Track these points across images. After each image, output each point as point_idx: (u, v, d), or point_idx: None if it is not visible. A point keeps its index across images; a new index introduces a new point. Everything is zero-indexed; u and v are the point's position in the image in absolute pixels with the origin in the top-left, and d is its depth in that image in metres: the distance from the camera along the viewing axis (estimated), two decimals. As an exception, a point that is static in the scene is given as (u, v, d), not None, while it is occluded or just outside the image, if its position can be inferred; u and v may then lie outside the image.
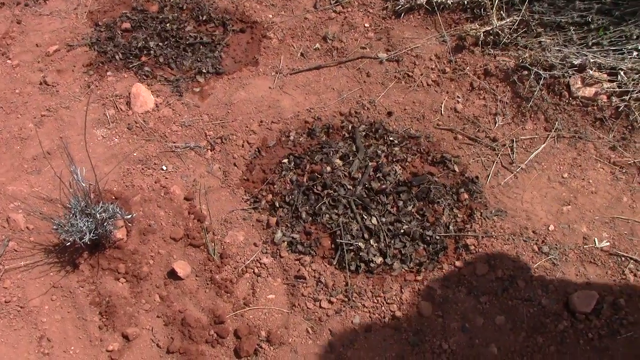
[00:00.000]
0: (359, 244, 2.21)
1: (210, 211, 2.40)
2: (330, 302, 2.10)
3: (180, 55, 3.06)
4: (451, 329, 2.02)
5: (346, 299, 2.11)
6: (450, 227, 2.29)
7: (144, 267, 2.21)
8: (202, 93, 2.90)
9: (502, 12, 3.00)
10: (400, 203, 2.36)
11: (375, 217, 2.29)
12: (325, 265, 2.20)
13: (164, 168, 2.56)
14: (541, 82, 2.67)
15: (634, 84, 2.55)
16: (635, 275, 2.11)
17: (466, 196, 2.39)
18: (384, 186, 2.40)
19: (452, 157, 2.55)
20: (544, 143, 2.57)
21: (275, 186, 2.46)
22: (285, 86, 2.92)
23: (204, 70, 2.98)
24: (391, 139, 2.63)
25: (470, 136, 2.64)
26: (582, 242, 2.23)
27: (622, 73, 2.59)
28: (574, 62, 2.68)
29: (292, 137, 2.68)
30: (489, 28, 2.92)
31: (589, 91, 2.60)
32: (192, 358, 2.00)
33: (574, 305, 2.02)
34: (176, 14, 3.29)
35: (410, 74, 2.90)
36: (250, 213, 2.40)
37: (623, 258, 2.17)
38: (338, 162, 2.53)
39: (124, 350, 2.03)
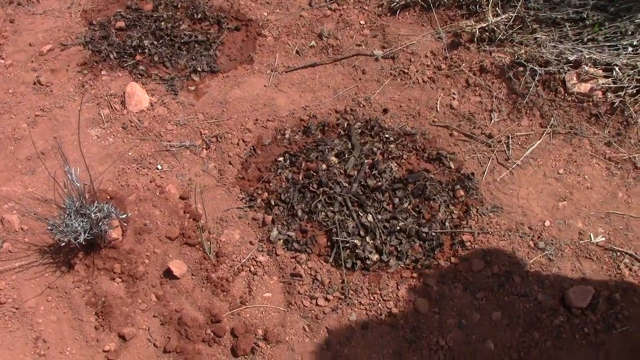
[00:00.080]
0: (355, 241, 2.21)
1: (205, 210, 2.39)
2: (326, 299, 2.10)
3: (175, 54, 3.05)
4: (448, 325, 2.02)
5: (342, 297, 2.11)
6: (446, 224, 2.29)
7: (139, 266, 2.20)
8: (197, 91, 2.89)
9: (497, 8, 3.00)
10: (396, 200, 2.35)
11: (371, 214, 2.29)
12: (322, 263, 2.20)
13: (159, 167, 2.55)
14: (537, 78, 2.67)
15: (629, 79, 2.55)
16: (630, 270, 2.12)
17: (462, 193, 2.39)
18: (379, 183, 2.40)
19: (448, 154, 2.55)
20: (539, 139, 2.57)
21: (270, 184, 2.45)
22: (280, 84, 2.91)
23: (199, 69, 2.97)
24: (387, 136, 2.62)
25: (466, 133, 2.64)
26: (577, 237, 2.23)
27: (617, 69, 2.60)
28: (569, 58, 2.68)
29: (287, 135, 2.67)
30: (485, 24, 2.92)
31: (585, 87, 2.60)
32: (189, 357, 1.99)
33: (570, 300, 2.02)
34: (171, 13, 3.27)
35: (405, 70, 2.89)
36: (246, 211, 2.39)
37: (618, 253, 2.17)
38: (334, 159, 2.53)
39: (121, 351, 2.03)
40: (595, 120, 2.57)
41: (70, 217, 2.08)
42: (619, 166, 2.45)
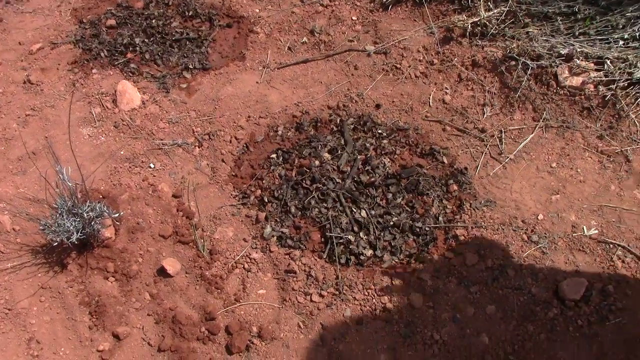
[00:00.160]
0: (349, 237, 2.20)
1: (198, 208, 2.38)
2: (321, 295, 2.10)
3: (167, 52, 3.03)
4: (442, 320, 2.02)
5: (337, 292, 2.11)
6: (440, 218, 2.29)
7: (133, 265, 2.19)
8: (189, 89, 2.87)
9: (489, 3, 3.00)
10: (390, 195, 2.35)
11: (365, 209, 2.29)
12: (315, 259, 2.19)
13: (152, 166, 2.53)
14: (529, 72, 2.68)
15: (620, 72, 2.56)
16: (623, 261, 2.13)
17: (455, 187, 2.40)
18: (372, 179, 2.40)
19: (441, 149, 2.55)
20: (532, 133, 2.57)
21: (263, 181, 2.45)
22: (272, 81, 2.90)
23: (190, 66, 2.96)
24: (380, 131, 2.62)
25: (459, 127, 2.64)
26: (571, 230, 2.24)
27: (608, 62, 2.60)
28: (561, 51, 2.68)
29: (280, 132, 2.66)
30: (477, 19, 2.92)
31: (576, 80, 2.61)
32: (184, 356, 1.99)
33: (564, 292, 2.03)
34: (162, 10, 3.25)
35: (398, 66, 2.89)
36: (239, 209, 2.38)
37: (611, 245, 2.18)
38: (327, 155, 2.52)
39: (115, 350, 2.02)
40: (587, 114, 2.58)
41: (63, 216, 2.07)
42: (611, 159, 2.46)
